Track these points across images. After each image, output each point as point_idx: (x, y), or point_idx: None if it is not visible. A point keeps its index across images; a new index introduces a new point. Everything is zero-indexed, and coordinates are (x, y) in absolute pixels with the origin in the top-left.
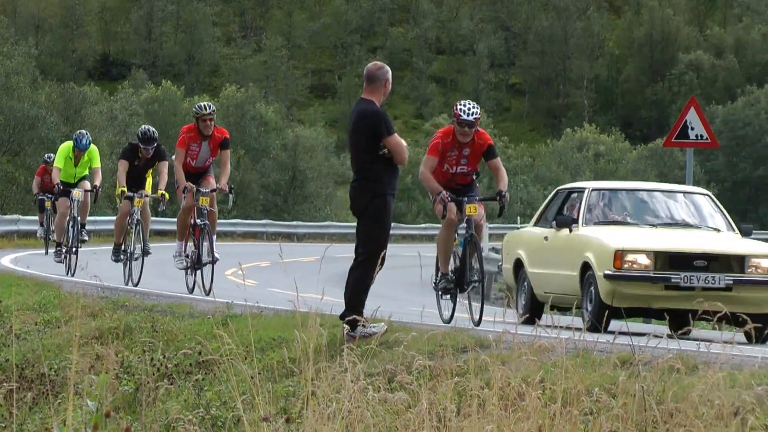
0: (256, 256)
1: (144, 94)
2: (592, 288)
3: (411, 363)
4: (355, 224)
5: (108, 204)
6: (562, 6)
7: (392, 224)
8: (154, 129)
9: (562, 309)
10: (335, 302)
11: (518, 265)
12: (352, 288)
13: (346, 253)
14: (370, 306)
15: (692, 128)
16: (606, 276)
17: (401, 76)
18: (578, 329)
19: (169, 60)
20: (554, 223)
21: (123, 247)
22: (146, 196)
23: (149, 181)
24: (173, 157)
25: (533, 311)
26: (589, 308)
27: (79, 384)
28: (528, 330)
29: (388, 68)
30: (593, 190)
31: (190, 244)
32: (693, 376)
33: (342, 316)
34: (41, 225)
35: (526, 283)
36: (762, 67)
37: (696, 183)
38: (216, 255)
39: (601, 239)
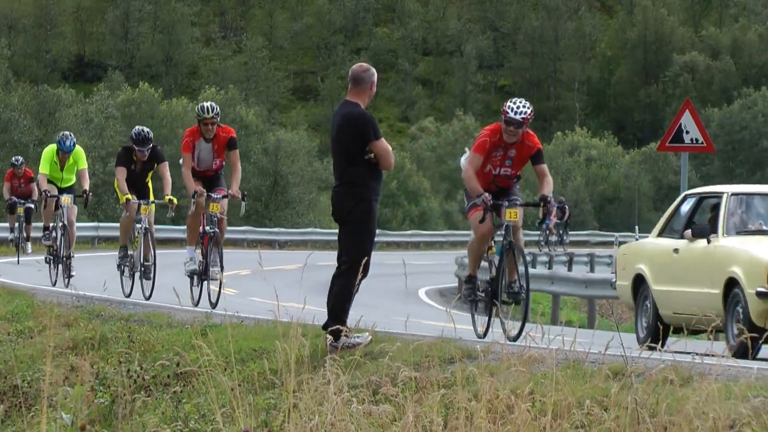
0: (236, 264)
1: (120, 97)
2: (739, 308)
3: (396, 374)
4: (338, 231)
5: (80, 209)
6: (552, 6)
7: (376, 231)
8: (148, 129)
9: (693, 332)
10: (318, 312)
11: (638, 281)
12: (336, 297)
13: (329, 260)
14: (353, 315)
15: (687, 132)
16: (759, 294)
17: (386, 78)
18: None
19: (147, 61)
20: (688, 233)
21: (129, 251)
22: (152, 202)
23: (151, 186)
24: (181, 161)
25: (657, 334)
26: (735, 331)
27: (53, 396)
28: (517, 340)
29: (374, 70)
30: (732, 194)
31: (198, 254)
32: (687, 387)
33: (325, 326)
34: (11, 231)
35: (648, 303)
36: (759, 68)
37: (691, 189)
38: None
39: (751, 251)
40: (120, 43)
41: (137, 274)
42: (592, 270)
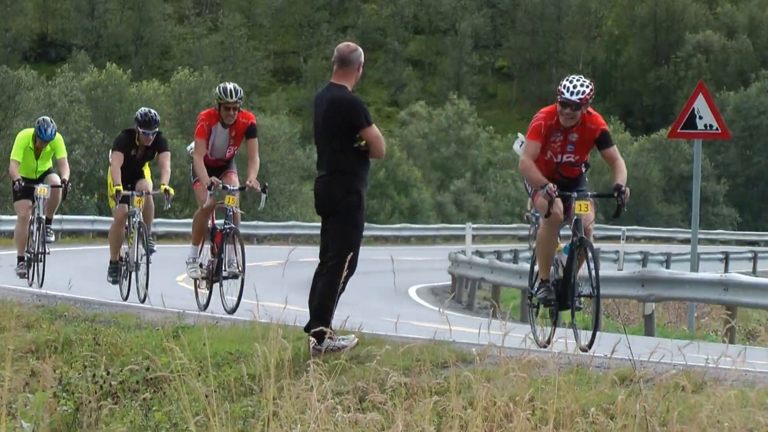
0: None
1: (86, 79)
2: None
3: (385, 380)
4: (321, 224)
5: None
6: None
7: (364, 224)
8: (155, 111)
9: None
10: (300, 312)
11: None
12: (320, 296)
13: (312, 257)
14: (338, 316)
15: (700, 117)
16: None
17: (374, 59)
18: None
19: (115, 40)
20: None
21: (122, 260)
22: (147, 193)
23: (147, 173)
24: (190, 148)
25: None
26: None
27: (12, 403)
28: (516, 343)
29: (361, 50)
30: None
31: (207, 252)
32: (700, 394)
33: (307, 328)
34: None
35: None
36: None
37: (705, 178)
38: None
39: None
40: (86, 20)
41: (133, 274)
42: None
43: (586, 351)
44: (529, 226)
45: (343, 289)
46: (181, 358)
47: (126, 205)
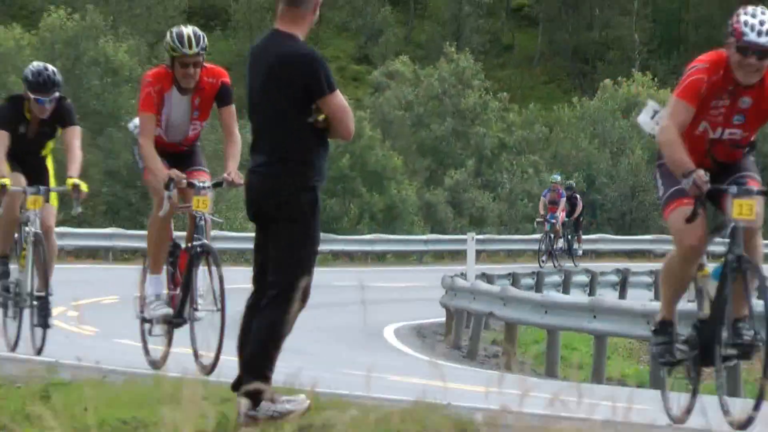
0: (97, 287)
1: None
2: None
3: None
4: (256, 235)
5: None
6: None
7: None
8: (54, 68)
9: None
10: (226, 362)
11: None
12: (256, 340)
13: (244, 282)
14: (283, 368)
15: None
16: None
17: None
18: None
19: None
20: None
21: (12, 269)
22: (49, 190)
23: (50, 166)
24: (134, 125)
25: None
26: None
27: None
28: (540, 407)
29: None
30: None
31: (162, 277)
32: None
33: (237, 385)
34: None
35: None
36: None
37: None
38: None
39: None
40: None
41: (27, 312)
42: (656, 296)
43: (743, 429)
44: (540, 236)
45: (289, 329)
46: (53, 428)
47: (18, 197)
